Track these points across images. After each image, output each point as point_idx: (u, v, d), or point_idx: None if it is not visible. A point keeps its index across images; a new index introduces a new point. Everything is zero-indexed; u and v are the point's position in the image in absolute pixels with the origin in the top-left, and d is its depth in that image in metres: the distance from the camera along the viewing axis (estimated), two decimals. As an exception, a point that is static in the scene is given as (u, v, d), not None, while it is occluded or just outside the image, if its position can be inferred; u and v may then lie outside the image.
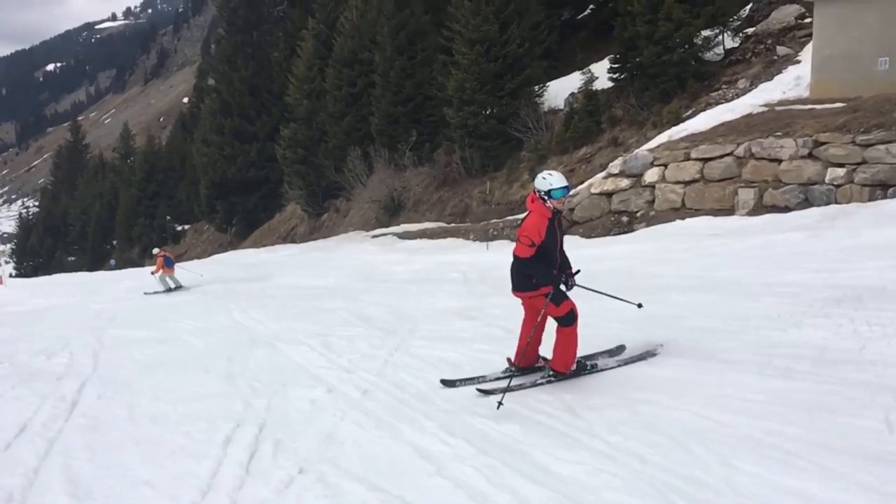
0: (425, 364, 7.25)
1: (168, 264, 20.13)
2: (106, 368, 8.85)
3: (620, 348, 6.65)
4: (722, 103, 19.32)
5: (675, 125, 18.86)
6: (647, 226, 16.59)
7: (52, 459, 5.43)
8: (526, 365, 6.30)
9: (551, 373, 6.12)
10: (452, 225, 24.86)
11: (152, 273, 20.61)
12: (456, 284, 13.74)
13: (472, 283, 13.66)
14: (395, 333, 9.15)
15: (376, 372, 7.13)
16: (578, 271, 6.02)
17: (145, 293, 19.43)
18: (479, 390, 6.03)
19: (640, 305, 6.24)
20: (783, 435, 4.40)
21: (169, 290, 19.83)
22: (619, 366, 6.29)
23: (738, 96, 19.59)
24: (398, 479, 4.52)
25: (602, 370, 6.22)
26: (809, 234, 11.62)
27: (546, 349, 6.23)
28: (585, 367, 6.21)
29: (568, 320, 5.85)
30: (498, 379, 6.30)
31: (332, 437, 5.31)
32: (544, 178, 5.78)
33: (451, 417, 5.46)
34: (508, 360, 6.44)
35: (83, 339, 11.27)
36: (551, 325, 6.04)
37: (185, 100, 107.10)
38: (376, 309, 11.57)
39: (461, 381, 6.38)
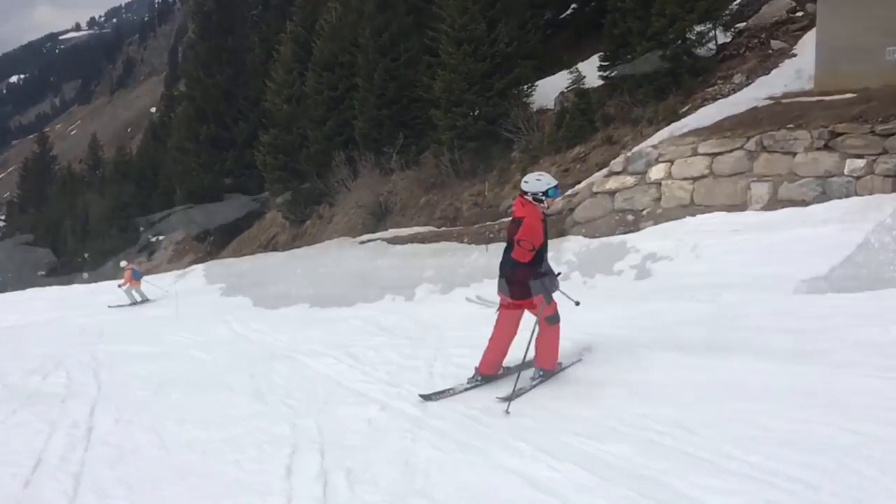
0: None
1: (135, 277, 20.27)
2: (112, 388, 8.13)
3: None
4: (719, 98, 18.95)
5: (673, 122, 18.46)
6: (655, 224, 16.11)
7: (83, 499, 4.65)
8: (492, 374, 6.33)
9: (541, 372, 6.19)
10: (444, 229, 24.19)
11: (119, 286, 20.51)
12: (466, 288, 13.13)
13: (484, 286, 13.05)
14: (424, 342, 8.52)
15: (424, 385, 6.46)
16: (560, 273, 6.22)
17: (109, 306, 19.08)
18: (498, 398, 5.80)
19: (577, 303, 6.13)
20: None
21: (135, 303, 19.81)
22: (571, 364, 6.40)
23: (734, 91, 19.25)
24: (517, 516, 3.80)
25: (565, 368, 6.32)
26: (843, 227, 11.15)
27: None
28: (559, 365, 6.39)
29: (556, 318, 6.07)
30: (466, 389, 6.26)
31: (411, 464, 4.59)
32: (538, 180, 5.96)
33: (543, 437, 4.75)
34: (476, 368, 6.39)
35: (76, 357, 10.53)
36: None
37: (153, 109, 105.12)
38: (391, 316, 10.96)
39: (436, 394, 6.17)
